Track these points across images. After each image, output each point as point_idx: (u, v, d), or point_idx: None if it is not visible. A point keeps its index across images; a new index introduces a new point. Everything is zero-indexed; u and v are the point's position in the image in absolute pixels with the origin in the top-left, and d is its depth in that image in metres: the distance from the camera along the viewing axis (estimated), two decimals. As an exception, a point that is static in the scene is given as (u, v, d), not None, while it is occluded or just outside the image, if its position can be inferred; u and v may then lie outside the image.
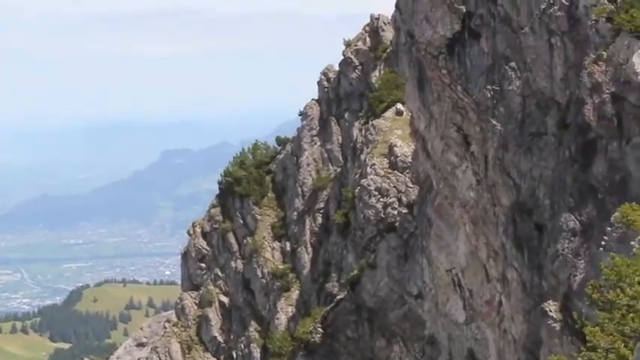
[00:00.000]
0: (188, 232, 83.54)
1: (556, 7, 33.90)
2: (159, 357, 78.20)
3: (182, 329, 79.40)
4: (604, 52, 31.28)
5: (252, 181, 78.68)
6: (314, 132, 77.09)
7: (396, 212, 63.73)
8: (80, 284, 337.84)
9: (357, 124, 72.84)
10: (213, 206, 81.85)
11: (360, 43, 76.12)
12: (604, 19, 31.60)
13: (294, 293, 73.38)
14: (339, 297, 66.75)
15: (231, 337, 77.33)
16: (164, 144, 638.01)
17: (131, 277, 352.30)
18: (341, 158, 74.63)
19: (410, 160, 63.62)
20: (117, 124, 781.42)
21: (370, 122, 70.29)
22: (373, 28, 76.04)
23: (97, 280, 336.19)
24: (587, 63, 31.86)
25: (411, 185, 63.73)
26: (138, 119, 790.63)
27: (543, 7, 34.49)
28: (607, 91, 30.78)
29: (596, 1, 32.21)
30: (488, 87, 37.88)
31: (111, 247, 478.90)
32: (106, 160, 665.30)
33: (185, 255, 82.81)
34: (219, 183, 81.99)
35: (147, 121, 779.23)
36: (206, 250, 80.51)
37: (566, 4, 33.61)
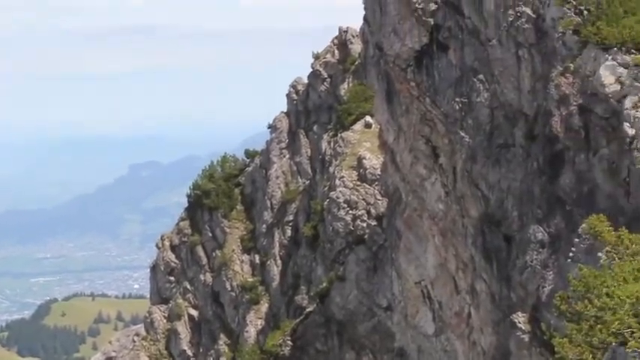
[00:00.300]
0: (157, 246, 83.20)
1: (523, 20, 34.06)
2: (128, 371, 77.85)
3: (151, 343, 79.04)
4: (571, 65, 31.41)
5: (221, 193, 78.52)
6: (283, 144, 77.06)
7: (365, 224, 63.73)
8: (48, 298, 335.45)
9: (325, 136, 72.87)
10: (182, 219, 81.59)
11: (328, 56, 76.22)
12: (571, 32, 31.74)
13: (264, 306, 73.22)
14: (308, 310, 66.65)
15: (201, 350, 77.04)
16: (132, 158, 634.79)
17: (100, 290, 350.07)
18: (310, 171, 74.61)
19: (379, 173, 63.66)
20: (85, 138, 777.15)
21: (339, 135, 70.33)
22: (342, 41, 76.19)
23: (65, 294, 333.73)
24: (555, 75, 31.98)
25: (380, 197, 63.74)
26: (105, 134, 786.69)
27: (511, 19, 34.63)
28: (574, 103, 30.90)
29: (563, 13, 32.34)
30: (457, 99, 37.95)
31: (79, 260, 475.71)
32: (74, 174, 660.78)
33: (154, 268, 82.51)
34: (188, 196, 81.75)
35: (114, 136, 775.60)
36: (175, 263, 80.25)
37: (534, 16, 33.77)
